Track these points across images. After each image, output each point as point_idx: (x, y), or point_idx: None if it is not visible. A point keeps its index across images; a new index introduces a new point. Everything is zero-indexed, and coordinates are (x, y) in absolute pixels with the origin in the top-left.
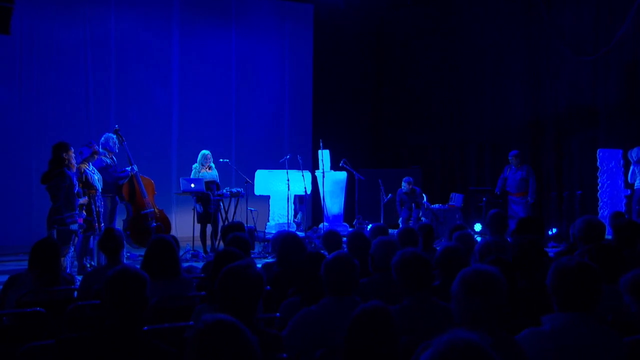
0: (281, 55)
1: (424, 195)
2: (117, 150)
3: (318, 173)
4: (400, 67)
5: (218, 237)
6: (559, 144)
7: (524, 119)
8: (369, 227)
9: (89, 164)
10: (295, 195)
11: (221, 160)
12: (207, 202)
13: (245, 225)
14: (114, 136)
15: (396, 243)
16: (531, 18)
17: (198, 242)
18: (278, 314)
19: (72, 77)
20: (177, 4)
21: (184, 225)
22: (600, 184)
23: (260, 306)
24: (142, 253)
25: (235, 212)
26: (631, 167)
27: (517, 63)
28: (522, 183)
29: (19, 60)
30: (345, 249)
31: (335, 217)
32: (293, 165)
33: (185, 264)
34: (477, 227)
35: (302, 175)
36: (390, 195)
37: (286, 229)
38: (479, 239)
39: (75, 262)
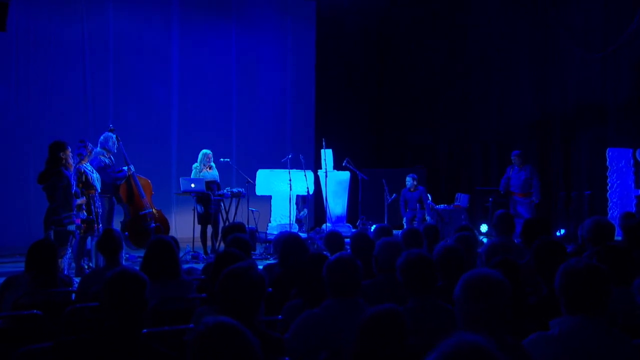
0: (283, 53)
1: (428, 195)
2: (115, 150)
3: (321, 173)
4: (405, 64)
5: (219, 238)
6: (567, 142)
7: (531, 117)
8: (373, 227)
9: (87, 163)
10: (298, 196)
11: (222, 159)
12: (207, 202)
13: (247, 226)
14: (114, 136)
15: (400, 244)
16: (538, 14)
17: (198, 243)
18: (280, 316)
19: (69, 75)
20: (176, 0)
21: (184, 226)
22: (609, 184)
23: (262, 308)
24: (141, 254)
25: (236, 213)
26: None
27: (523, 60)
28: (526, 183)
29: (15, 58)
30: (349, 250)
31: (338, 218)
32: (295, 164)
33: (186, 266)
34: (484, 228)
35: (305, 175)
36: (394, 195)
37: (288, 229)
38: (485, 240)
39: (73, 264)
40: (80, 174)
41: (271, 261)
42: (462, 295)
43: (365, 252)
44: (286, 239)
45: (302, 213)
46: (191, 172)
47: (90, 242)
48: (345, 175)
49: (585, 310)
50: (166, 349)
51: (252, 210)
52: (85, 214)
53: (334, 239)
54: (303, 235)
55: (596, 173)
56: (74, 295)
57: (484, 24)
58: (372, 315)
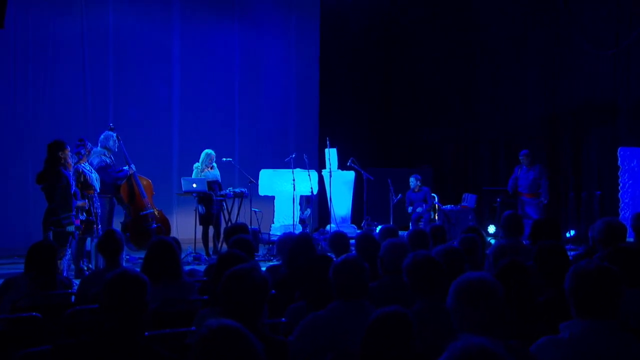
0: (286, 50)
1: (434, 195)
2: (116, 150)
3: (325, 172)
4: (411, 61)
5: (221, 239)
6: (577, 142)
7: (541, 115)
8: (378, 228)
9: (86, 163)
10: (301, 196)
11: (224, 159)
12: (209, 202)
13: (249, 226)
14: (114, 134)
15: (406, 245)
16: (548, 9)
17: (200, 244)
18: (284, 319)
19: (68, 73)
20: None
21: (186, 227)
22: (621, 184)
23: (265, 311)
24: (142, 256)
25: (238, 213)
26: None
27: (533, 57)
28: (535, 183)
29: (13, 56)
30: (353, 252)
31: (343, 219)
32: (299, 164)
33: (187, 267)
34: (491, 229)
35: (308, 175)
36: (400, 195)
37: (292, 230)
38: (492, 241)
39: (72, 265)
40: (79, 174)
41: (274, 263)
42: (455, 301)
43: (371, 253)
44: (297, 238)
45: (305, 213)
46: (192, 172)
47: (89, 243)
48: (350, 175)
49: (596, 313)
50: (168, 351)
51: (255, 211)
52: (85, 214)
53: (339, 240)
54: None
55: (607, 173)
56: (73, 297)
57: (493, 20)
58: (379, 317)
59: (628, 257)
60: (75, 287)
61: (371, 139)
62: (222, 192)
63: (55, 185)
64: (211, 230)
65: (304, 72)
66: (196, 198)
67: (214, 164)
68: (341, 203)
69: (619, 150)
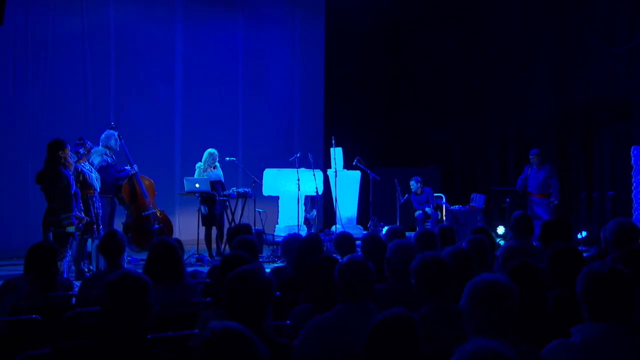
0: (291, 47)
1: (442, 195)
2: (118, 149)
3: (330, 172)
4: (418, 59)
5: (224, 240)
6: (589, 140)
7: (551, 113)
8: (385, 229)
9: (86, 162)
10: (306, 196)
11: (227, 158)
12: (212, 203)
13: (253, 227)
14: (115, 133)
15: (414, 246)
16: (559, 5)
17: (203, 246)
18: (288, 321)
19: (69, 71)
20: None
21: (188, 228)
22: (634, 184)
23: (269, 313)
24: (144, 257)
25: (242, 214)
26: None
27: (543, 54)
28: (545, 183)
29: (13, 53)
30: (359, 253)
31: (349, 219)
32: (303, 163)
33: (190, 269)
34: (500, 229)
35: (313, 175)
36: (407, 195)
37: (296, 231)
38: (502, 242)
39: (73, 267)
40: (78, 174)
41: (279, 264)
42: (469, 302)
43: (377, 254)
44: (307, 239)
45: (311, 214)
46: (195, 172)
47: (90, 244)
48: (356, 174)
49: (609, 317)
50: (170, 354)
51: (259, 211)
52: (83, 215)
53: (345, 241)
54: None
55: (620, 172)
56: (74, 299)
57: (503, 16)
58: (383, 320)
59: None
60: (76, 289)
61: (377, 138)
62: (226, 192)
63: (55, 185)
64: (214, 231)
65: (308, 69)
66: (199, 198)
67: (217, 164)
68: (347, 203)
69: (632, 149)
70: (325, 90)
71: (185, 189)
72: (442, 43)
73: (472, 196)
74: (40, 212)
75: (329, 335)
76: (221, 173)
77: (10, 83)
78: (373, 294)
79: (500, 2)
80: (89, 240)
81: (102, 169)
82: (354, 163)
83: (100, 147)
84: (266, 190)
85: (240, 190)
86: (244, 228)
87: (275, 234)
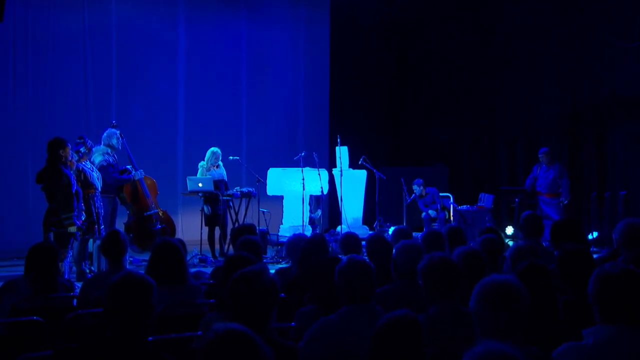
0: (295, 44)
1: (449, 195)
2: (120, 148)
3: (335, 171)
4: (425, 56)
5: (227, 241)
6: (600, 139)
7: (561, 111)
8: (391, 230)
9: (87, 161)
10: (311, 196)
11: (231, 157)
12: (215, 202)
13: (257, 227)
14: (117, 132)
15: (421, 247)
16: (570, 0)
17: (206, 246)
18: (293, 323)
19: (69, 69)
20: None
21: (191, 228)
22: None
23: (273, 315)
24: (146, 258)
25: (246, 214)
26: None
27: (554, 50)
28: (555, 183)
29: (12, 50)
30: (365, 254)
31: (354, 219)
32: (308, 163)
33: (193, 270)
34: (509, 230)
35: (319, 174)
36: (414, 195)
37: (301, 231)
38: (511, 243)
39: (74, 267)
40: (79, 173)
41: (283, 265)
42: (479, 304)
43: (382, 255)
44: (312, 239)
45: (316, 214)
46: (197, 171)
47: (91, 245)
48: (362, 174)
49: (622, 319)
50: (173, 356)
51: (263, 211)
52: (84, 215)
53: (350, 241)
54: None
55: (632, 172)
56: (75, 300)
57: (512, 12)
58: (387, 322)
59: None
60: (77, 290)
61: (384, 137)
62: (229, 192)
63: (56, 184)
64: (217, 231)
65: (313, 67)
66: (202, 198)
67: (220, 163)
68: (352, 203)
69: None
70: (331, 88)
71: (188, 189)
72: (448, 40)
73: (480, 196)
74: (40, 212)
75: (335, 338)
76: (224, 172)
77: (10, 81)
78: (378, 295)
79: None
80: (90, 241)
81: (102, 169)
82: (359, 162)
83: (101, 145)
84: (270, 190)
85: (244, 189)
86: (248, 228)
87: (279, 234)
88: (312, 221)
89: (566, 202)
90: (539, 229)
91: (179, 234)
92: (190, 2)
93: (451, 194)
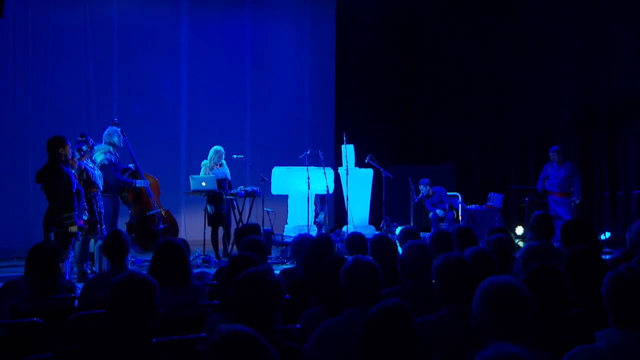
0: (300, 40)
1: (458, 194)
2: (122, 145)
3: (341, 170)
4: (433, 52)
5: (231, 241)
6: (613, 136)
7: (573, 108)
8: (398, 230)
9: (88, 160)
10: (316, 195)
11: (234, 156)
12: (219, 202)
13: (262, 227)
14: (119, 129)
15: (429, 247)
16: None
17: (209, 246)
18: (299, 325)
19: (70, 66)
20: None
21: (194, 228)
22: None
23: (278, 317)
24: (148, 258)
25: (250, 213)
26: None
27: (565, 46)
28: (566, 181)
29: (12, 48)
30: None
31: (361, 219)
32: (314, 161)
33: (196, 270)
34: (519, 230)
35: (324, 173)
36: (421, 194)
37: (306, 231)
38: (521, 243)
39: (75, 268)
40: (81, 171)
41: (288, 265)
42: (482, 307)
43: (388, 256)
44: (317, 239)
45: (319, 218)
46: (200, 170)
47: (92, 245)
48: (368, 172)
49: (636, 323)
50: (176, 359)
51: (267, 211)
52: (87, 214)
53: (356, 241)
54: None
55: None
56: (76, 301)
57: (522, 8)
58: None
59: None
60: (79, 291)
61: (391, 135)
62: (233, 191)
63: (56, 183)
64: (221, 231)
65: (319, 63)
66: (205, 197)
67: (223, 161)
68: (359, 203)
69: None
70: (337, 86)
71: (191, 188)
72: (457, 37)
73: (489, 195)
74: (41, 212)
75: (340, 339)
76: (228, 171)
77: (10, 78)
78: (384, 296)
79: None
80: (92, 241)
81: (104, 168)
82: (366, 161)
83: (102, 144)
84: (275, 189)
85: (248, 189)
86: (252, 228)
87: (284, 234)
88: (317, 223)
89: (578, 201)
90: (550, 229)
91: (182, 234)
92: None
93: (459, 193)
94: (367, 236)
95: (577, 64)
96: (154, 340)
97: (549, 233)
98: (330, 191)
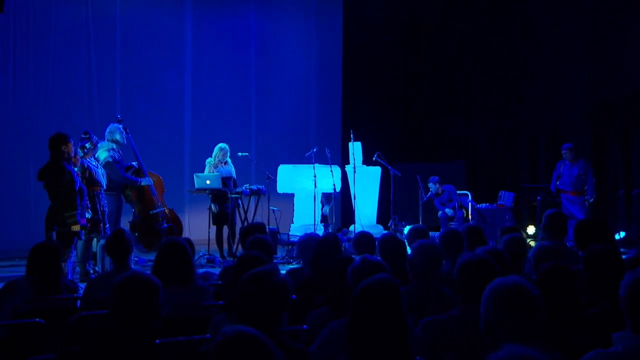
0: (307, 36)
1: (467, 193)
2: (125, 142)
3: (348, 168)
4: (442, 47)
5: (236, 240)
6: (627, 134)
7: (586, 104)
8: (407, 229)
9: (92, 158)
10: (323, 193)
11: (239, 154)
12: (224, 200)
13: (267, 226)
14: (121, 126)
15: (438, 247)
16: None
17: (214, 246)
18: (305, 326)
19: (72, 62)
20: None
21: (199, 227)
22: None
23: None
24: (152, 258)
25: (255, 212)
26: None
27: (577, 39)
28: (579, 180)
29: (13, 44)
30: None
31: (368, 218)
32: (320, 159)
33: (201, 270)
34: (530, 229)
35: (331, 171)
36: (430, 193)
37: (313, 230)
38: (533, 243)
39: (77, 268)
40: (84, 170)
41: (294, 265)
42: (491, 308)
43: (396, 256)
44: (324, 238)
45: (324, 209)
46: (204, 168)
47: (95, 244)
48: (376, 170)
49: None
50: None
51: (273, 210)
52: (90, 213)
53: (364, 241)
54: None
55: None
56: (79, 302)
57: (533, 3)
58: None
59: None
60: (81, 291)
61: (399, 132)
62: (238, 190)
63: (59, 181)
64: (226, 230)
65: (325, 59)
66: (210, 196)
67: (228, 159)
68: (366, 201)
69: None
70: (343, 82)
71: (196, 186)
72: (467, 31)
73: (500, 194)
74: (42, 210)
75: None
76: (233, 169)
77: (11, 74)
78: None
79: None
80: (95, 240)
81: (108, 165)
82: (373, 158)
83: (105, 141)
84: (281, 188)
85: (254, 187)
86: (258, 227)
87: (290, 233)
88: (324, 219)
89: (591, 200)
90: (564, 228)
91: (186, 233)
92: None
93: (469, 192)
94: (374, 235)
95: (589, 58)
96: (157, 341)
97: (561, 233)
98: (337, 189)
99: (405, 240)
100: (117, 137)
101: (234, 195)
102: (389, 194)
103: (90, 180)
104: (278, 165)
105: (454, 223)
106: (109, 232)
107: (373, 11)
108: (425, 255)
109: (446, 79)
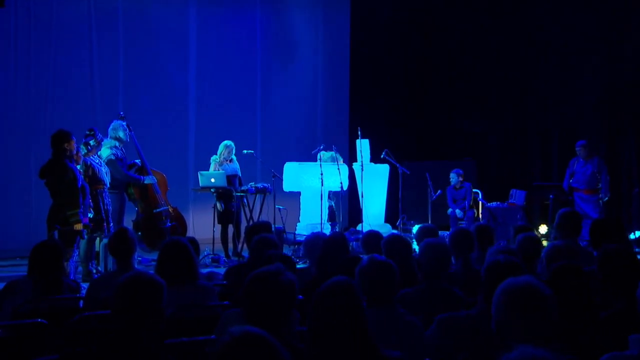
0: (314, 32)
1: (478, 191)
2: (128, 140)
3: (356, 166)
4: (451, 42)
5: (241, 239)
6: None
7: (600, 100)
8: (415, 228)
9: (95, 156)
10: (330, 192)
11: (245, 151)
12: (229, 199)
13: (273, 225)
14: (124, 123)
15: (447, 246)
16: None
17: (219, 245)
18: None
19: (74, 58)
20: None
21: (203, 226)
22: None
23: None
24: (155, 257)
25: (261, 211)
26: None
27: (589, 32)
28: (593, 178)
29: (14, 39)
30: None
31: (376, 217)
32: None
33: (205, 270)
34: (543, 228)
35: (338, 169)
36: (439, 191)
37: (319, 229)
38: (545, 243)
39: (80, 267)
40: (87, 167)
41: (301, 265)
42: (502, 308)
43: (402, 255)
44: (330, 238)
45: (330, 201)
46: (209, 166)
47: (98, 243)
48: (384, 168)
49: None
50: None
51: (279, 208)
52: (93, 212)
53: (372, 240)
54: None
55: None
56: (81, 302)
57: None
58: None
59: None
60: (84, 291)
61: (407, 129)
62: (243, 188)
63: (61, 179)
64: (231, 229)
65: (333, 55)
66: (214, 194)
67: (233, 157)
68: (374, 200)
69: None
70: (351, 78)
71: (200, 184)
72: (477, 25)
73: (511, 192)
74: (44, 209)
75: None
76: (238, 167)
77: (12, 70)
78: (401, 297)
79: None
80: (97, 239)
81: (110, 163)
82: (381, 156)
83: (108, 138)
84: (287, 186)
85: (259, 185)
86: (263, 226)
87: (296, 232)
88: (331, 217)
89: (606, 198)
90: (577, 227)
91: (190, 232)
92: None
93: (480, 190)
94: (383, 234)
95: (604, 54)
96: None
97: (575, 232)
98: (345, 188)
99: (414, 239)
100: (120, 134)
101: (239, 194)
102: (397, 192)
103: (94, 178)
104: (284, 163)
105: (463, 222)
106: (112, 231)
107: (381, 9)
108: (433, 255)
109: (455, 75)
